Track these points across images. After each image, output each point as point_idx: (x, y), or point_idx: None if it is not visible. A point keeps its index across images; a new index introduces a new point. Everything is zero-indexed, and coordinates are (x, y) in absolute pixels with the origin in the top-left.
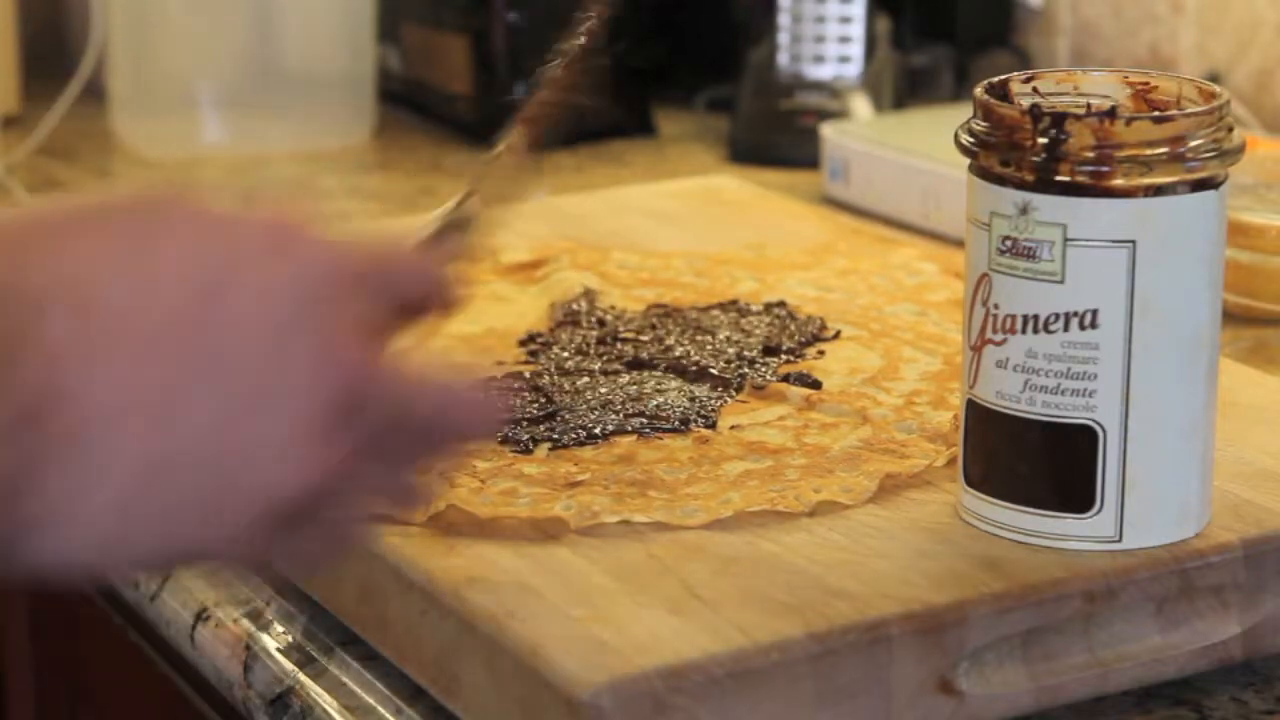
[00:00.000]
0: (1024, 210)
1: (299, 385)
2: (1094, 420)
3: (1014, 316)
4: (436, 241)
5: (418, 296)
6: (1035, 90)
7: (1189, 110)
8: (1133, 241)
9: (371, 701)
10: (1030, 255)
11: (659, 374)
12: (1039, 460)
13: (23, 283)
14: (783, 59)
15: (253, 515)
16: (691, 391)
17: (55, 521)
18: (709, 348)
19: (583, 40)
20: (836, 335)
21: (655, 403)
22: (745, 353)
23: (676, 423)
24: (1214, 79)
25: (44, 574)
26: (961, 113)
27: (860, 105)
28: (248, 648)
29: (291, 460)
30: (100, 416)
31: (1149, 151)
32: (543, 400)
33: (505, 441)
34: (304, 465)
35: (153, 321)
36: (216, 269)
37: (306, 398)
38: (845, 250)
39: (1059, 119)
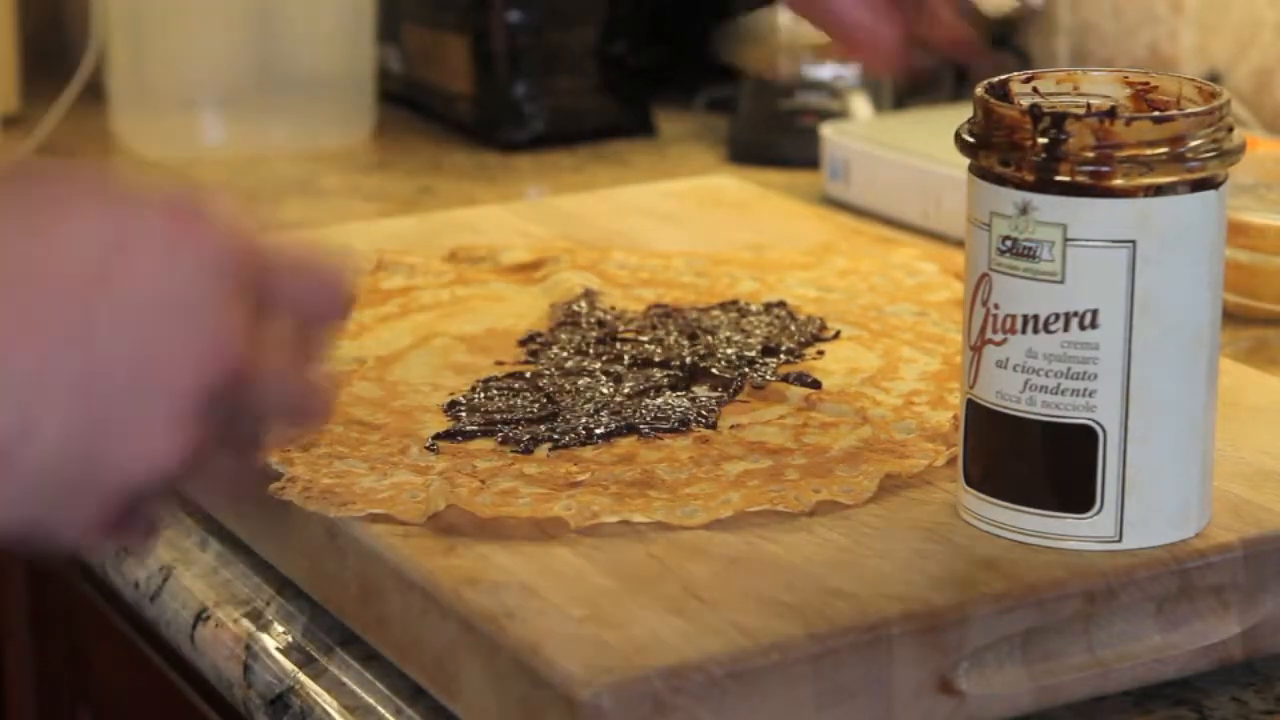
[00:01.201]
0: (1024, 210)
1: (174, 369)
2: (1094, 420)
3: (1014, 316)
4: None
5: (313, 306)
6: (1035, 90)
7: (1189, 110)
8: (1133, 241)
9: (371, 701)
10: (1030, 255)
11: (659, 374)
12: (1039, 460)
13: None
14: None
15: (109, 493)
16: (691, 391)
17: None
18: (709, 348)
19: None
20: (836, 335)
21: (655, 403)
22: (745, 353)
23: (676, 423)
24: (1214, 79)
25: None
26: (961, 113)
27: (860, 105)
28: (248, 648)
29: (158, 441)
30: None
31: (1149, 151)
32: (543, 400)
33: (505, 441)
34: (170, 446)
35: (34, 295)
36: (107, 247)
37: (180, 382)
38: (845, 250)
39: (1059, 119)
